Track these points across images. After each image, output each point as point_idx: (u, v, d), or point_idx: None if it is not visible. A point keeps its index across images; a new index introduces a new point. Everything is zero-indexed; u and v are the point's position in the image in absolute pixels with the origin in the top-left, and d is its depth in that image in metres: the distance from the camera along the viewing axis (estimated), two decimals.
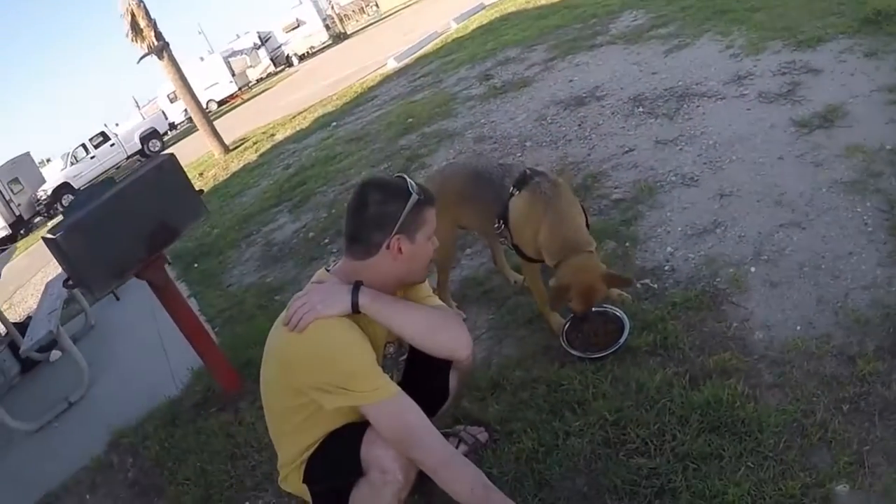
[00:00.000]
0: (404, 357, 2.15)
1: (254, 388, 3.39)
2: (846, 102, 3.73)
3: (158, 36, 13.41)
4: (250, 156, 11.73)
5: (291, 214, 6.59)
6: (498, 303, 3.32)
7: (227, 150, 13.45)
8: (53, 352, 5.40)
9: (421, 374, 2.10)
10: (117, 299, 5.97)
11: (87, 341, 5.62)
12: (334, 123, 10.48)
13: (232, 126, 17.49)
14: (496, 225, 2.75)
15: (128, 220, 2.85)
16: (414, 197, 1.83)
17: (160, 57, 13.58)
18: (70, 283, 2.87)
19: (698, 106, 4.60)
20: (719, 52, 5.42)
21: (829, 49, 4.55)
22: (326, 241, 5.29)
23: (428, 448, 1.74)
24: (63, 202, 21.91)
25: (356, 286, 1.84)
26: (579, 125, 5.32)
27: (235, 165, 11.58)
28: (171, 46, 13.82)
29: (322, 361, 1.74)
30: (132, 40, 13.43)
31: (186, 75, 14.90)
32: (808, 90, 4.09)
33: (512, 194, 2.65)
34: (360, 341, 1.79)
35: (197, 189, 3.21)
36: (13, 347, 5.46)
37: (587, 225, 2.65)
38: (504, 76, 8.05)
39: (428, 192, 1.91)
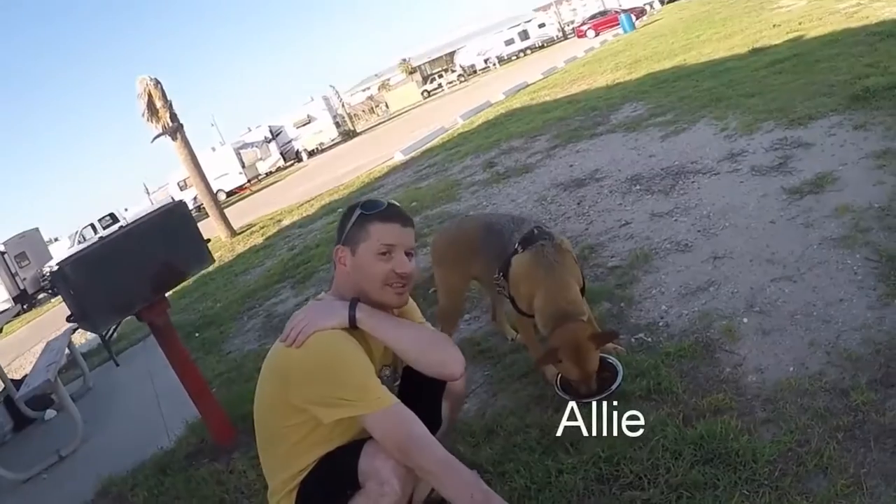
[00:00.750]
0: (398, 383, 2.17)
1: (248, 441, 3.40)
2: (836, 170, 3.88)
3: (173, 117, 13.89)
4: (256, 239, 11.92)
5: (294, 290, 6.65)
6: (494, 360, 3.35)
7: (234, 233, 13.68)
8: (48, 411, 5.35)
9: (414, 400, 2.10)
10: (117, 365, 5.95)
11: (84, 402, 5.55)
12: (340, 210, 10.71)
13: (240, 214, 17.85)
14: (496, 276, 2.83)
15: (134, 259, 2.93)
16: (357, 211, 1.94)
17: (174, 138, 14.00)
18: (72, 317, 2.91)
19: (693, 182, 4.75)
20: (714, 135, 5.65)
21: (819, 125, 4.76)
22: None
23: (428, 453, 1.75)
24: None
25: (353, 302, 1.89)
26: (578, 204, 5.46)
27: (241, 247, 11.75)
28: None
29: (323, 373, 1.77)
30: (147, 120, 13.87)
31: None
32: (799, 162, 4.26)
33: (517, 250, 2.74)
34: (360, 353, 1.82)
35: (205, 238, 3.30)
36: (8, 403, 5.40)
37: (583, 290, 2.73)
38: (507, 163, 8.31)
39: (387, 210, 1.95)
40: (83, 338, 8.95)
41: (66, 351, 5.46)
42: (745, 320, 2.78)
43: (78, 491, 3.61)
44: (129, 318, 6.51)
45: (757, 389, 2.33)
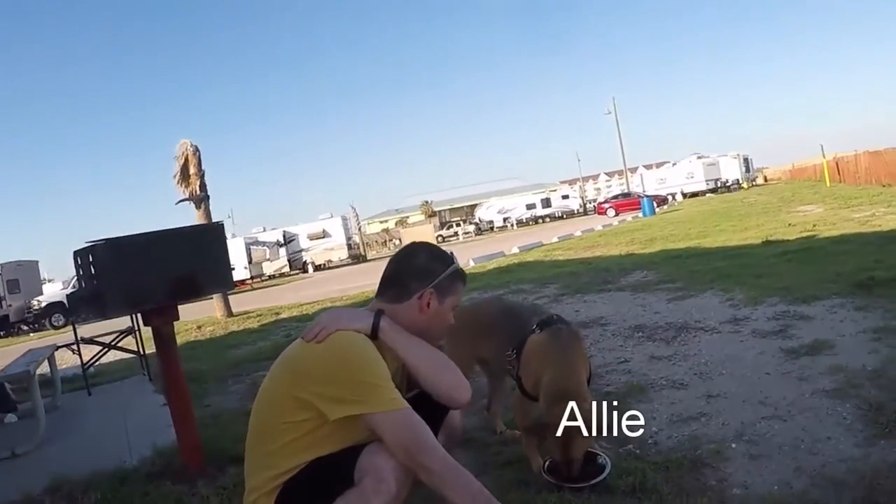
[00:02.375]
0: None
1: (215, 474, 3.34)
2: (833, 339, 4.05)
3: (202, 186, 14.16)
4: (252, 324, 11.93)
5: None
6: (478, 448, 3.36)
7: (230, 314, 13.64)
8: (9, 415, 5.19)
9: None
10: (89, 394, 5.86)
11: (49, 417, 5.39)
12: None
13: (238, 303, 17.87)
14: (509, 352, 2.92)
15: (162, 261, 3.03)
16: (455, 265, 2.11)
17: (198, 206, 14.13)
18: (83, 299, 2.95)
19: (695, 336, 4.89)
20: (720, 303, 5.87)
21: (822, 304, 4.99)
22: None
23: (434, 455, 1.80)
24: (52, 321, 21.95)
25: (379, 312, 2.00)
26: None
27: (235, 327, 11.74)
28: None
29: (340, 368, 1.83)
30: (178, 183, 14.14)
31: None
32: (798, 330, 4.44)
33: (534, 330, 2.87)
34: (378, 356, 1.90)
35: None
36: None
37: (589, 380, 2.85)
38: (514, 300, 8.47)
39: (463, 273, 2.17)
40: (59, 365, 8.79)
41: (46, 369, 5.39)
42: (734, 446, 2.83)
43: (26, 485, 3.48)
44: (118, 354, 6.50)
45: (741, 500, 2.35)
